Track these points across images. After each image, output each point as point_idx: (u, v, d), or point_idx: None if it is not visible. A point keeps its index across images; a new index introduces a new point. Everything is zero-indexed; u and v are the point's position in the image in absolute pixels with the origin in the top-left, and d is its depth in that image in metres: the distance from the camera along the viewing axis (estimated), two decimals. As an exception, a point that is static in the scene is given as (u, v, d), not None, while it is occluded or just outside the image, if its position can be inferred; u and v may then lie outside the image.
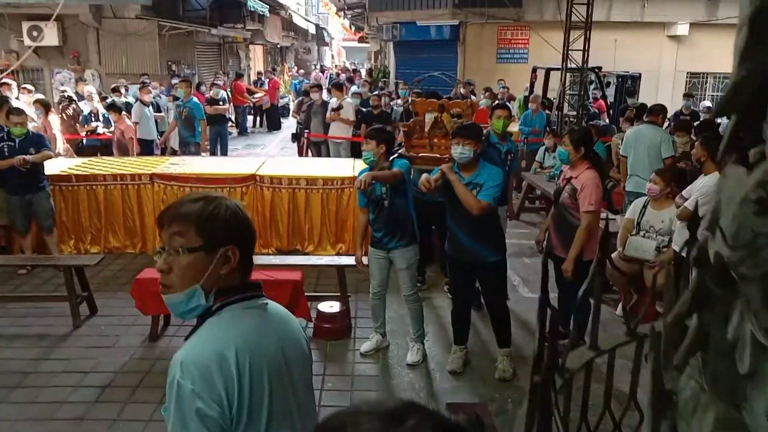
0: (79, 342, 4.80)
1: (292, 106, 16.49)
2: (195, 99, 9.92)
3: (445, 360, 4.62)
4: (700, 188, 4.58)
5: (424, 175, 4.09)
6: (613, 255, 5.32)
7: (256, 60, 24.66)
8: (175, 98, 10.23)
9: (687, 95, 11.43)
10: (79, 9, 13.07)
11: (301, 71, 25.61)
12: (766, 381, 0.87)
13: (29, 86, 10.20)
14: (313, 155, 10.62)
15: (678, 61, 16.32)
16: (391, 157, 4.48)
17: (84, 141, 9.77)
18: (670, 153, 6.47)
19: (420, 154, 4.85)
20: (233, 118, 15.28)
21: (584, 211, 4.33)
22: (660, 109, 7.00)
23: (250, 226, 1.56)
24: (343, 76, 19.74)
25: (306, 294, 4.97)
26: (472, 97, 12.33)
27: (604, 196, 4.88)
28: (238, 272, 1.53)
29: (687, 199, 4.65)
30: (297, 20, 26.39)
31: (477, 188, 4.07)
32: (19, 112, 6.13)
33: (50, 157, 6.36)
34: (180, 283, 1.47)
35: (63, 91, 10.13)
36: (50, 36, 13.06)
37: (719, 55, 15.91)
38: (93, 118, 9.64)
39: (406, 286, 4.57)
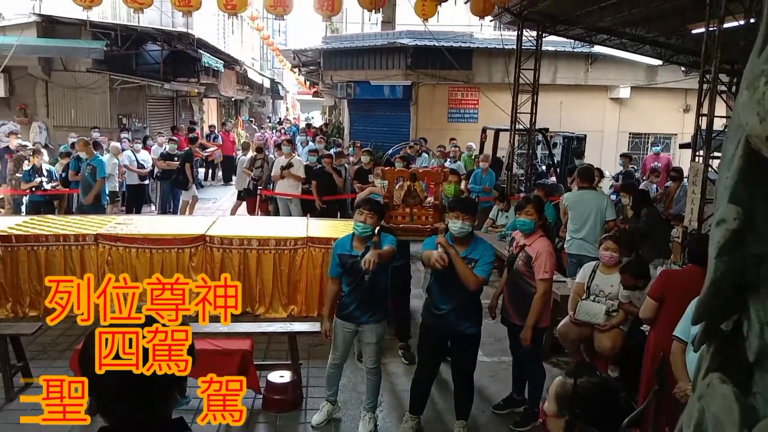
0: (11, 417, 4.48)
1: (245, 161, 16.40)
2: (99, 157, 9.42)
3: (397, 430, 4.50)
4: None
5: (436, 252, 3.99)
6: (565, 319, 5.36)
7: (210, 113, 24.57)
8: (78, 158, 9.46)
9: (624, 155, 12.12)
10: (28, 61, 12.86)
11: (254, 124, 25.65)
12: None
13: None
14: (270, 212, 10.59)
15: (621, 122, 17.04)
16: (376, 230, 4.36)
17: (27, 197, 9.43)
18: (614, 216, 6.69)
19: (400, 225, 4.78)
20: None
21: (540, 279, 4.37)
22: (591, 176, 7.15)
23: None
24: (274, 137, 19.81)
25: (255, 363, 4.81)
26: (421, 156, 12.59)
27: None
28: None
29: None
30: (252, 75, 26.52)
31: (472, 263, 4.07)
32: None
33: None
34: None
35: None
36: (-4, 87, 12.77)
37: (658, 117, 16.80)
38: (36, 174, 9.33)
39: (371, 360, 4.46)
